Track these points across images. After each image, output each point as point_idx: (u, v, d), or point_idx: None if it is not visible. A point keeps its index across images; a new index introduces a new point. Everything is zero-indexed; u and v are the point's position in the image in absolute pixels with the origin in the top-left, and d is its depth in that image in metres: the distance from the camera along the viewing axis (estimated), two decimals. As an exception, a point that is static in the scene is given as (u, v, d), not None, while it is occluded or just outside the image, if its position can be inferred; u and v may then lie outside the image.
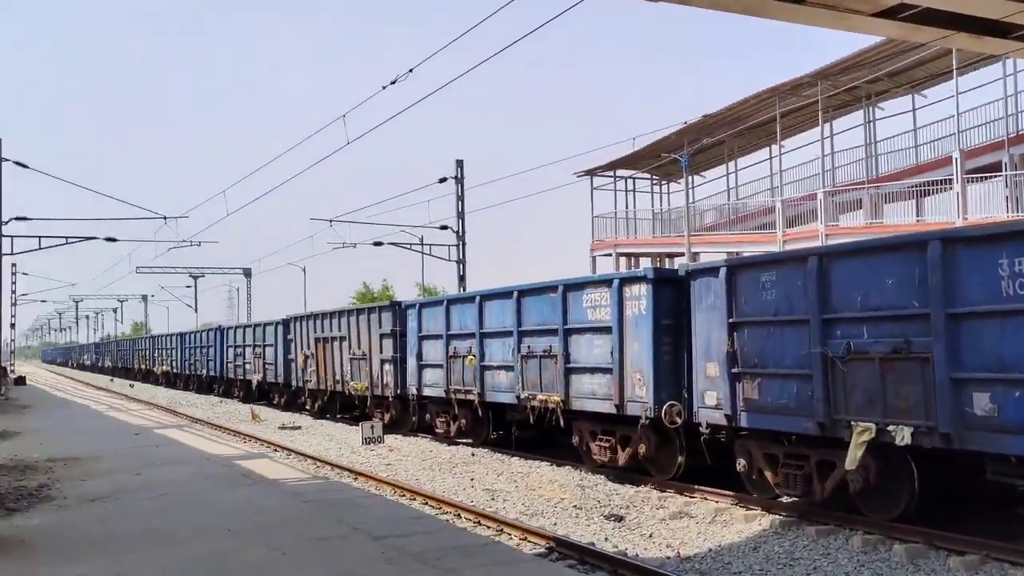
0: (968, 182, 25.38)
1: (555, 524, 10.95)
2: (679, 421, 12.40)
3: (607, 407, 13.66)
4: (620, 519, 11.16)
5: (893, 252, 9.56)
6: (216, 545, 8.28)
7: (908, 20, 9.03)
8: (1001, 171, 25.76)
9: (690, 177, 37.83)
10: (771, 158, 37.29)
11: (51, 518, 9.87)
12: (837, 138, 34.54)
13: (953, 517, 9.82)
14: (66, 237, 38.42)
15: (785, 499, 11.21)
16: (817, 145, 32.44)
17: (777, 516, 10.81)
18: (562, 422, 14.89)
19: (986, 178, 26.05)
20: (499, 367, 16.66)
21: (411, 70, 17.01)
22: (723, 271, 11.57)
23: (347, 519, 9.33)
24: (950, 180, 25.84)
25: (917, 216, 28.03)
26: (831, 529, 10.10)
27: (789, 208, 31.81)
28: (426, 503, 12.37)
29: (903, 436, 9.16)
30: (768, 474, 11.12)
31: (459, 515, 11.46)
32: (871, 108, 33.19)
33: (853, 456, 9.69)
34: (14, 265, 63.52)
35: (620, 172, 40.65)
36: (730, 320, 11.37)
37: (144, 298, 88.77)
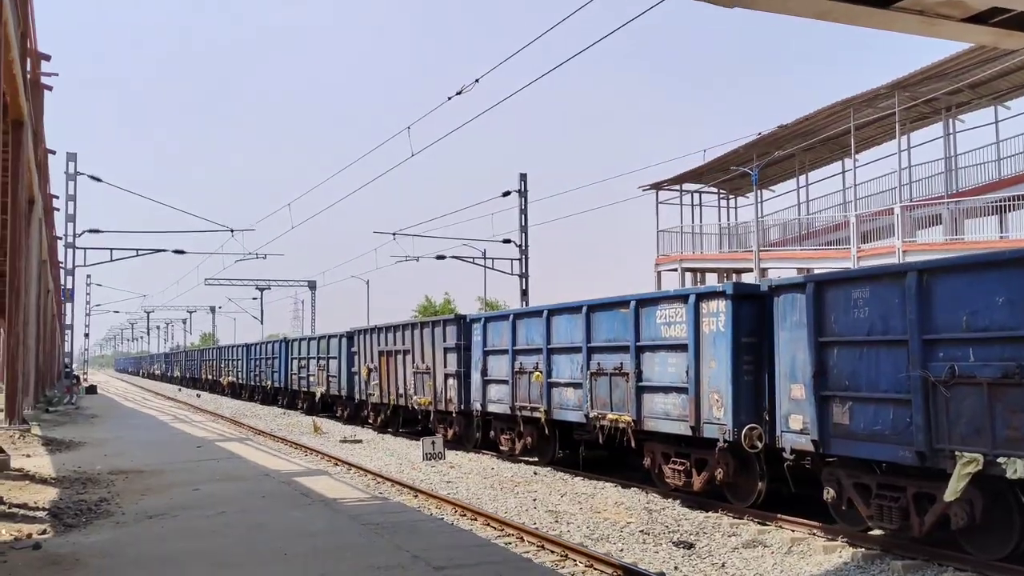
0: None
1: (621, 550, 10.37)
2: (759, 445, 11.69)
3: (682, 428, 13.00)
4: (690, 546, 10.52)
5: (1003, 268, 8.75)
6: (271, 571, 7.90)
7: (1000, 25, 8.36)
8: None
9: (759, 191, 36.86)
10: (843, 172, 36.13)
11: (108, 535, 9.61)
12: (914, 151, 33.27)
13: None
14: (136, 249, 39.25)
15: (876, 532, 10.42)
16: (891, 159, 31.28)
17: (860, 549, 10.07)
18: (633, 443, 14.26)
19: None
20: (567, 384, 16.10)
21: (477, 80, 16.67)
22: (810, 287, 10.84)
23: (406, 545, 8.88)
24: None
25: (1000, 232, 26.75)
26: (919, 564, 9.36)
27: (862, 224, 30.65)
28: (488, 524, 11.87)
29: (1015, 469, 8.36)
30: (860, 505, 10.34)
31: (521, 538, 10.94)
32: (951, 120, 31.88)
33: (954, 488, 8.90)
34: (88, 276, 65.50)
35: (686, 186, 39.82)
36: (818, 339, 10.62)
37: (212, 309, 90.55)
